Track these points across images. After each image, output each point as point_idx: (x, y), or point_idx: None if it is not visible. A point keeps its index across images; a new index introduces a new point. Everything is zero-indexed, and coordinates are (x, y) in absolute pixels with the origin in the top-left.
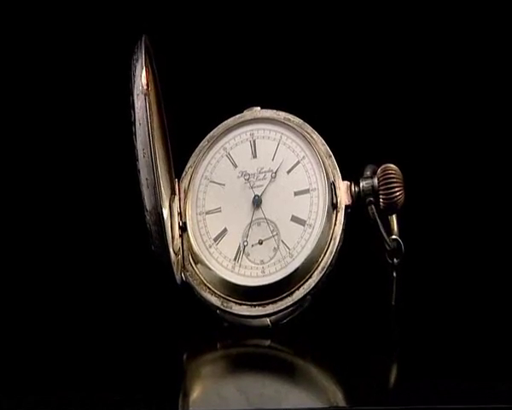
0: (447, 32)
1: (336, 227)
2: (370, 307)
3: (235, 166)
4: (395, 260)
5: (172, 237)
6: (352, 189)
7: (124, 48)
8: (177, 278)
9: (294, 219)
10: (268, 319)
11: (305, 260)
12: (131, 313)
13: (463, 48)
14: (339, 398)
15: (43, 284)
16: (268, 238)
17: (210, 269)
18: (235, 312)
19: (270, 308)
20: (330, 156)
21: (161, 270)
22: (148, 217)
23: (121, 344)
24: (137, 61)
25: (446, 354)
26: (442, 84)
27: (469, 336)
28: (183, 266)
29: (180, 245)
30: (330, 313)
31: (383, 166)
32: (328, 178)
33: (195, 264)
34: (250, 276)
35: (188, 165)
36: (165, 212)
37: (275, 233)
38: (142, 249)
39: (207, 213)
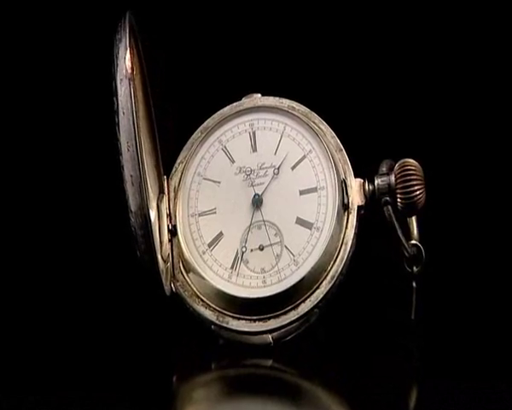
0: (467, 21)
1: (348, 231)
2: (386, 322)
3: (233, 161)
4: (415, 268)
5: (161, 243)
6: (366, 187)
7: (105, 26)
8: (166, 288)
9: (300, 221)
10: (270, 336)
11: (312, 268)
12: (114, 328)
13: (487, 36)
14: None
15: (13, 297)
16: (270, 244)
17: (203, 279)
18: (233, 327)
19: (273, 323)
20: (341, 150)
21: (148, 279)
22: (132, 219)
23: (103, 364)
24: (120, 41)
25: (472, 379)
26: (470, 67)
27: (500, 357)
28: (173, 276)
29: (169, 251)
30: (341, 329)
31: (401, 162)
32: (338, 175)
33: (187, 273)
34: (249, 286)
35: (178, 160)
36: (153, 213)
37: (277, 238)
38: (126, 256)
39: (201, 214)
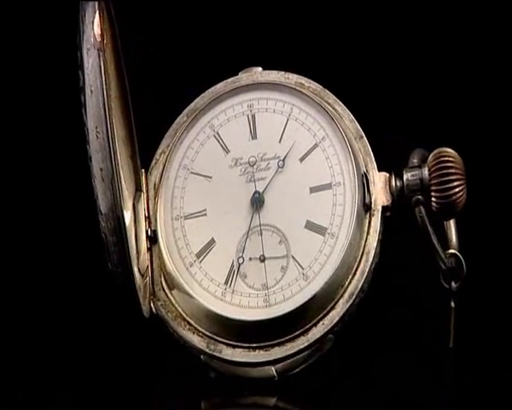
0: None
1: (370, 237)
2: (417, 350)
3: (227, 151)
4: (453, 283)
5: (137, 252)
6: (393, 183)
7: None
8: (145, 309)
9: (310, 225)
10: (273, 368)
11: (326, 283)
12: (83, 355)
13: None
14: None
15: None
16: (273, 253)
17: (191, 297)
18: (227, 357)
19: (277, 352)
20: (361, 137)
21: (122, 298)
22: (102, 223)
23: (70, 396)
24: (87, 2)
25: None
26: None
27: None
28: (153, 293)
29: (148, 263)
30: (361, 360)
31: (436, 151)
32: (358, 169)
33: (170, 290)
34: (248, 306)
35: (159, 150)
36: (128, 215)
37: (282, 246)
38: (95, 269)
39: (187, 217)
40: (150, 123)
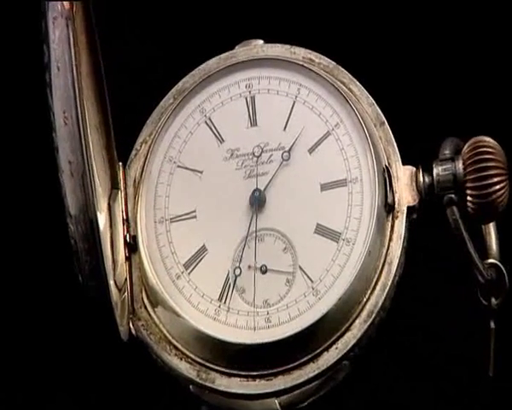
0: None
1: (393, 244)
2: (451, 380)
3: (221, 140)
4: (493, 299)
5: (114, 262)
6: (420, 179)
7: None
8: (122, 330)
9: (321, 230)
10: (277, 401)
11: (340, 300)
12: (51, 383)
13: None
14: None
15: None
16: (276, 263)
17: (178, 316)
18: (221, 388)
19: (281, 382)
20: (383, 124)
21: (95, 317)
22: (71, 227)
23: None
24: None
25: None
26: None
27: None
28: (132, 312)
29: (127, 275)
30: (381, 391)
31: (473, 141)
32: (378, 162)
33: (153, 307)
34: (246, 327)
35: (140, 139)
36: (102, 218)
37: (288, 255)
38: (64, 282)
39: (174, 219)
40: (129, 107)
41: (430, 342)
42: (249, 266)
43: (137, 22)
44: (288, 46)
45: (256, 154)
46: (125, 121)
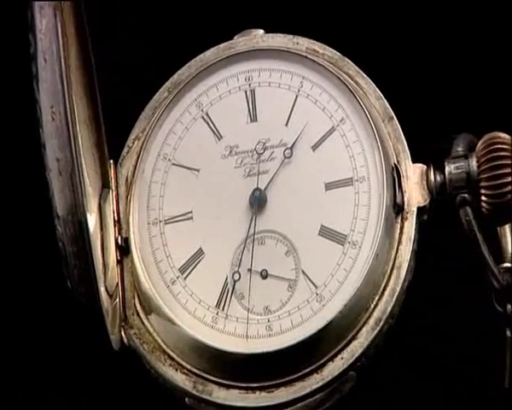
0: None
1: (402, 247)
2: (461, 379)
3: (219, 136)
4: (510, 306)
5: (104, 266)
6: (431, 178)
7: None
8: (113, 339)
9: (326, 232)
10: None
11: (346, 306)
12: (40, 391)
13: None
14: None
15: None
16: (278, 268)
17: (173, 323)
18: (219, 401)
19: (283, 394)
20: (391, 119)
21: (85, 325)
22: (60, 228)
23: None
24: None
25: None
26: None
27: None
28: (124, 319)
29: (119, 280)
30: (391, 396)
31: (488, 137)
32: (386, 159)
33: (146, 314)
34: (245, 336)
35: (132, 135)
36: (92, 219)
37: (290, 258)
38: (52, 288)
39: (168, 221)
40: (122, 105)
41: (441, 342)
42: (249, 271)
43: (130, 21)
44: (290, 36)
45: (258, 151)
46: (118, 120)
